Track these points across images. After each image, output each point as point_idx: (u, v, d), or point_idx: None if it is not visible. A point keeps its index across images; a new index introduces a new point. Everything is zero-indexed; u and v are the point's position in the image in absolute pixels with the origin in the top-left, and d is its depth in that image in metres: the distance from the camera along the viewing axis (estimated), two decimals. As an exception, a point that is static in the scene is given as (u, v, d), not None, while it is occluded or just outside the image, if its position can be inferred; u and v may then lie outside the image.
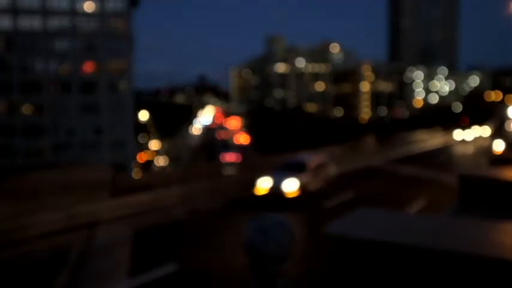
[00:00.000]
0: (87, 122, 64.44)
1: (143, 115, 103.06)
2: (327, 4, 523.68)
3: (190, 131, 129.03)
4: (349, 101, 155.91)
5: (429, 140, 42.07)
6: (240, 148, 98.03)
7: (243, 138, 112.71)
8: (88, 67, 66.12)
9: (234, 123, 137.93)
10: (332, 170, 18.04)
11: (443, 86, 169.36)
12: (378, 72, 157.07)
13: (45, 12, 63.91)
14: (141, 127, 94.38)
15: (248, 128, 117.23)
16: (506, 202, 6.14)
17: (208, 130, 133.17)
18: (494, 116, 68.61)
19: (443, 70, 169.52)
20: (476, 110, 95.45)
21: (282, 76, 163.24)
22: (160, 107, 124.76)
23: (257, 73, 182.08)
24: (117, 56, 65.92)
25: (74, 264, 9.03)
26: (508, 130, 46.46)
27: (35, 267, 9.22)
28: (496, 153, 23.39)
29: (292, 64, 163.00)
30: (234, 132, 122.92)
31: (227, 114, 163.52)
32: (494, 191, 6.43)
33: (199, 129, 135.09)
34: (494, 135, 41.39)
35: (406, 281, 2.97)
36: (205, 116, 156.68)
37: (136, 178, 21.10)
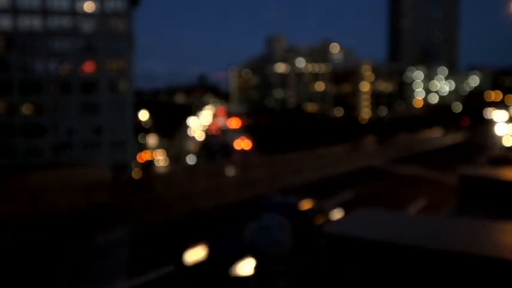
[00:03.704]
0: (87, 122, 64.39)
1: (143, 115, 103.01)
2: (327, 4, 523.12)
3: (188, 133, 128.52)
4: (349, 101, 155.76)
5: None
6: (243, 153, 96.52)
7: (244, 144, 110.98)
8: (88, 67, 66.07)
9: (235, 123, 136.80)
10: None
11: (443, 86, 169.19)
12: (378, 72, 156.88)
13: (45, 12, 63.87)
14: (141, 127, 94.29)
15: (248, 128, 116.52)
16: (506, 202, 6.14)
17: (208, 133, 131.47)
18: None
19: (443, 70, 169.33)
20: (476, 110, 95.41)
21: (282, 76, 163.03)
22: (160, 107, 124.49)
23: (257, 73, 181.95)
24: (117, 56, 65.89)
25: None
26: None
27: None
28: None
29: (292, 64, 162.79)
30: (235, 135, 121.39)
31: (229, 114, 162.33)
32: (494, 190, 6.42)
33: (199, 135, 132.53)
34: None
35: (406, 281, 2.97)
36: (202, 119, 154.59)
37: None
